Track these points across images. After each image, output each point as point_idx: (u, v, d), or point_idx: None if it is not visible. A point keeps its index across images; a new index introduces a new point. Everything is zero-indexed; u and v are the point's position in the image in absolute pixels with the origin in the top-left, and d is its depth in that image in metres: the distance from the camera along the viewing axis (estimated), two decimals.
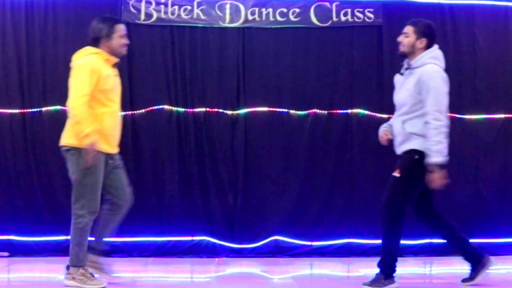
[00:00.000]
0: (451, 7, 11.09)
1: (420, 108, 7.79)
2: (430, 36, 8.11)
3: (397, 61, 10.55)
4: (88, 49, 7.86)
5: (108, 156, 7.85)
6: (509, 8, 11.15)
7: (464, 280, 8.12)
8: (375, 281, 8.02)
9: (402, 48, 8.15)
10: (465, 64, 11.06)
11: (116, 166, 8.03)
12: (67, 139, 7.76)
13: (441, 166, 7.66)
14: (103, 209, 7.96)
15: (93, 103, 7.65)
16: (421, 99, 7.74)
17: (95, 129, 7.49)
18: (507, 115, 11.09)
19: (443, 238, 8.33)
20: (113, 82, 7.91)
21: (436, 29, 8.49)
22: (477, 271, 8.04)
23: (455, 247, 8.25)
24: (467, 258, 8.14)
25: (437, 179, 7.71)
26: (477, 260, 8.08)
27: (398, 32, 10.58)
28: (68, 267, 7.72)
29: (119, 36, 7.90)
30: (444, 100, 7.82)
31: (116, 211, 8.04)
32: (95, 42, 7.90)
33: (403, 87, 8.01)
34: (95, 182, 7.62)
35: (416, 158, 7.82)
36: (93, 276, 7.76)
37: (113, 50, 7.89)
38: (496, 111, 11.08)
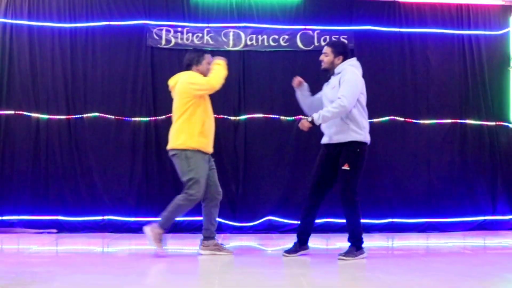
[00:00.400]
0: (409, 34, 11.01)
1: None
2: (345, 53, 8.18)
3: (365, 75, 10.51)
4: (183, 73, 8.16)
5: (206, 156, 8.12)
6: (455, 35, 11.07)
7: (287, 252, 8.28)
8: (348, 252, 8.00)
9: (324, 65, 8.19)
10: (420, 79, 10.98)
11: (211, 167, 8.22)
12: (173, 144, 8.10)
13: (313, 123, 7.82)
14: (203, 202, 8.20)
15: (198, 110, 7.97)
16: None
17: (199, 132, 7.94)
18: (453, 120, 11.00)
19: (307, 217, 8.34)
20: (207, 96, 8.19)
21: (348, 45, 8.88)
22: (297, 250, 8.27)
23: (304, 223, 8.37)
24: (299, 234, 8.38)
25: (303, 126, 7.89)
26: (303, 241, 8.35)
27: (366, 53, 10.57)
28: (201, 241, 8.24)
29: (207, 63, 8.14)
30: (355, 91, 7.85)
31: (211, 203, 8.21)
32: (188, 67, 8.23)
33: (329, 87, 8.07)
34: (201, 175, 7.93)
35: (358, 151, 7.87)
36: (223, 246, 8.30)
37: (201, 73, 8.11)
38: (445, 117, 10.99)
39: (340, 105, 7.68)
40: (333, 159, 8.02)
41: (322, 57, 8.14)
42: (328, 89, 8.10)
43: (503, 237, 10.23)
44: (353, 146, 7.90)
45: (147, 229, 8.15)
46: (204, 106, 8.08)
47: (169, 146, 8.15)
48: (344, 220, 8.31)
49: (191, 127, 7.97)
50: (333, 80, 8.05)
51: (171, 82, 8.28)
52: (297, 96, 8.36)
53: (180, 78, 8.12)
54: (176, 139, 8.03)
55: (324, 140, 8.08)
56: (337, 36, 10.69)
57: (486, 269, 7.37)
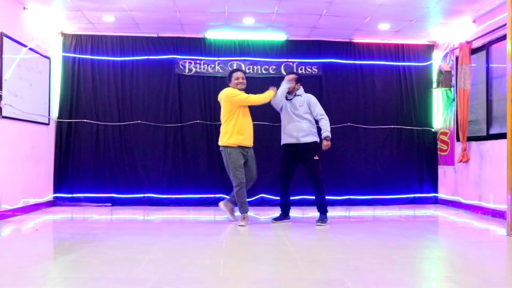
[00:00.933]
0: (361, 65, 10.95)
1: (310, 116, 8.34)
2: (300, 80, 8.54)
3: (330, 94, 10.50)
4: (225, 89, 8.29)
5: (245, 149, 8.16)
6: (393, 66, 11.02)
7: (275, 219, 8.46)
8: (322, 220, 8.11)
9: (289, 90, 8.44)
10: (368, 97, 10.93)
11: (250, 156, 8.26)
12: (220, 142, 8.22)
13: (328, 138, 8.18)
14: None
15: (236, 115, 8.09)
16: (311, 110, 8.31)
17: (237, 131, 8.07)
18: (391, 126, 10.94)
19: (284, 196, 8.52)
20: None
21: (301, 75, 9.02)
22: (282, 219, 8.45)
23: (283, 200, 8.52)
24: (281, 207, 8.55)
25: (327, 145, 8.16)
26: (286, 212, 8.51)
27: (331, 79, 10.55)
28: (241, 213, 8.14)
29: (234, 79, 8.24)
30: (321, 108, 8.37)
31: (247, 184, 8.25)
32: (228, 82, 8.35)
33: (297, 103, 8.37)
34: (238, 165, 8.02)
35: (318, 146, 8.24)
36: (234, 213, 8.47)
37: (233, 87, 8.24)
38: (386, 123, 10.94)
39: (327, 119, 8.31)
40: (297, 155, 8.31)
41: (242, 81, 8.29)
42: (294, 104, 8.37)
43: (427, 209, 10.24)
44: (316, 144, 8.25)
45: (221, 204, 8.47)
46: (243, 111, 8.15)
47: (219, 143, 8.24)
48: (314, 197, 8.37)
49: (231, 128, 8.05)
50: (298, 100, 8.40)
51: (219, 96, 8.36)
52: (282, 89, 8.40)
53: (224, 93, 8.19)
54: (222, 138, 8.14)
55: (291, 140, 8.29)
56: (310, 66, 10.71)
57: (415, 232, 7.41)
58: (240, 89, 8.18)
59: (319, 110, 8.32)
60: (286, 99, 8.44)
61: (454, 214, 9.55)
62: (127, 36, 10.62)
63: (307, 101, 8.35)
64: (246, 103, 8.16)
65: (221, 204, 8.46)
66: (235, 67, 10.44)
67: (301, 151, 8.23)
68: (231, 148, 8.02)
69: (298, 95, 8.41)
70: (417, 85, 11.11)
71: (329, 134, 8.19)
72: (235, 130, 8.03)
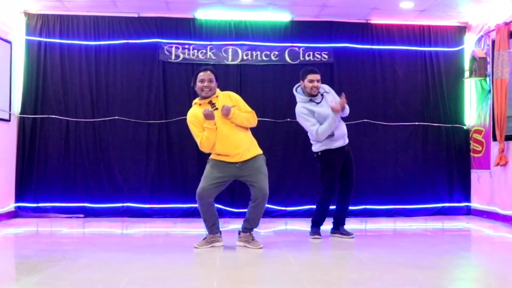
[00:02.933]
0: (379, 50, 10.99)
1: None
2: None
3: (343, 84, 10.54)
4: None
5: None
6: (418, 51, 11.06)
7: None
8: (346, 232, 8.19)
9: (318, 90, 7.96)
10: (389, 89, 10.97)
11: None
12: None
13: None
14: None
15: None
16: None
17: None
18: (415, 123, 10.97)
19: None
20: None
21: None
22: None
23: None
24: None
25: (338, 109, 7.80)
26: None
27: (344, 67, 10.57)
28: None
29: (199, 81, 7.25)
30: None
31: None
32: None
33: (326, 105, 7.88)
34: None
35: None
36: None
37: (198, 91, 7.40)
38: (409, 120, 10.96)
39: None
40: (343, 159, 8.09)
41: (316, 84, 7.88)
42: (326, 109, 7.84)
43: (458, 221, 10.26)
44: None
45: (238, 243, 7.51)
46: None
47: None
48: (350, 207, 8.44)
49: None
50: (328, 97, 7.96)
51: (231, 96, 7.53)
52: (333, 119, 7.81)
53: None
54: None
55: (339, 144, 7.96)
56: (319, 52, 10.72)
57: (444, 248, 7.42)
58: (203, 96, 7.32)
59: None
60: (316, 103, 7.98)
61: (490, 227, 9.55)
62: (102, 16, 10.63)
63: (331, 92, 8.13)
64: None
65: (237, 243, 7.53)
66: (230, 54, 10.47)
67: (346, 153, 8.10)
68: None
69: (323, 92, 8.06)
70: (446, 74, 11.11)
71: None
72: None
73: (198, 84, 7.25)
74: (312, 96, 7.93)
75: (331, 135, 7.85)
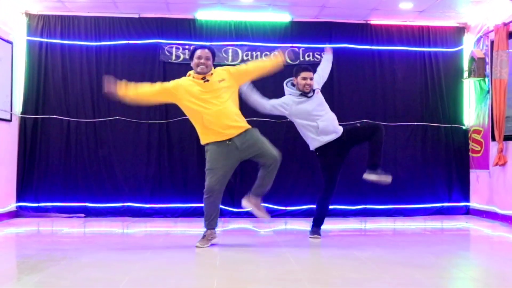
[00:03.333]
0: (378, 51, 11.00)
1: None
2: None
3: (343, 84, 10.55)
4: None
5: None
6: (417, 52, 11.08)
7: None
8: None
9: (311, 87, 8.02)
10: (388, 89, 10.98)
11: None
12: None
13: None
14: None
15: None
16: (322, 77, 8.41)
17: None
18: (415, 123, 11.00)
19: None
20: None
21: None
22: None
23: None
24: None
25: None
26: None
27: (343, 67, 10.54)
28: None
29: (197, 57, 7.25)
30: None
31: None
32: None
33: (314, 103, 8.02)
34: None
35: None
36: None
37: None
38: (408, 120, 10.98)
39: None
40: (342, 148, 8.07)
41: (309, 82, 7.96)
42: (312, 104, 7.97)
43: (457, 220, 10.27)
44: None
45: (244, 201, 7.67)
46: None
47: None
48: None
49: None
50: (317, 97, 8.04)
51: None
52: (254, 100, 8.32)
53: None
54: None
55: (329, 138, 7.94)
56: (319, 53, 10.67)
57: (443, 247, 7.41)
58: (199, 72, 7.31)
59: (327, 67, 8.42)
60: (306, 96, 8.04)
61: (488, 226, 9.56)
62: (103, 17, 10.64)
63: (318, 83, 8.23)
64: None
65: (244, 201, 7.70)
66: (230, 54, 10.48)
67: (346, 141, 8.02)
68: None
69: (317, 89, 8.16)
70: (445, 74, 11.12)
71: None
72: None
73: (195, 60, 7.28)
74: (304, 92, 7.99)
75: (316, 127, 7.93)
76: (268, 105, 8.16)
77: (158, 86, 7.42)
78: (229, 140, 7.25)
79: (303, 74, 7.97)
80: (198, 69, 7.25)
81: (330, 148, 7.94)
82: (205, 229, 7.42)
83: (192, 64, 7.34)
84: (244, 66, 7.75)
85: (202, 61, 7.23)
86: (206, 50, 7.33)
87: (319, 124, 7.90)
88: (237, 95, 7.65)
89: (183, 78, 7.43)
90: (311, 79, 7.97)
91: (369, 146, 7.95)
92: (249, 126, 7.46)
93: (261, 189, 7.52)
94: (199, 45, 7.68)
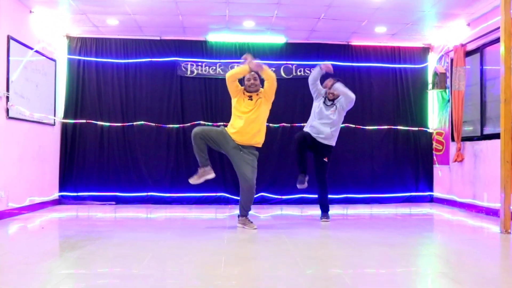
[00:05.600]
0: (358, 67, 10.97)
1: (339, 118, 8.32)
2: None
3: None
4: None
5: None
6: (390, 68, 11.03)
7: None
8: (326, 216, 8.29)
9: (333, 96, 8.35)
10: (366, 98, 10.92)
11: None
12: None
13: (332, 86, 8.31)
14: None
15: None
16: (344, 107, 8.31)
17: None
18: (388, 127, 10.99)
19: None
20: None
21: None
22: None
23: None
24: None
25: (329, 84, 8.35)
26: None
27: None
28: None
29: (246, 80, 7.43)
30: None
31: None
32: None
33: (329, 109, 8.29)
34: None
35: (332, 149, 8.34)
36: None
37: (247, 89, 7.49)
38: (383, 124, 10.96)
39: (353, 98, 8.31)
40: (313, 145, 8.25)
41: (332, 92, 8.29)
42: (327, 110, 8.26)
43: (423, 207, 10.25)
44: (330, 148, 8.34)
45: (238, 224, 7.57)
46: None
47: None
48: (313, 196, 8.41)
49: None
50: (332, 110, 8.28)
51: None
52: (316, 73, 8.47)
53: None
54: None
55: (312, 133, 8.24)
56: (309, 68, 10.63)
57: (411, 229, 7.42)
58: (249, 91, 7.50)
59: (345, 98, 8.29)
60: (324, 103, 8.34)
61: (449, 212, 9.56)
62: (130, 39, 10.63)
63: (339, 105, 8.31)
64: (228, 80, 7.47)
65: (238, 224, 7.57)
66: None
67: (317, 146, 8.23)
68: None
69: (338, 103, 8.32)
70: (413, 86, 11.12)
71: (339, 87, 8.27)
72: None
73: (246, 82, 7.47)
74: (328, 98, 8.35)
75: (313, 120, 8.40)
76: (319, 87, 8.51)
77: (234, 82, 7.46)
78: (236, 142, 7.42)
79: (329, 91, 8.33)
80: (250, 88, 7.47)
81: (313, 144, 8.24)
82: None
83: (245, 85, 7.49)
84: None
85: (252, 81, 7.47)
86: (253, 73, 7.49)
87: (314, 122, 8.28)
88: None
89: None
90: (331, 92, 8.29)
91: (320, 197, 8.43)
92: (259, 145, 7.64)
93: (242, 209, 7.53)
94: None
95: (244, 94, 7.46)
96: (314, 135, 8.22)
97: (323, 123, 8.22)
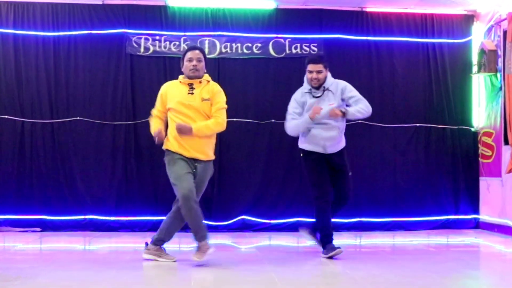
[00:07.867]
0: (375, 42, 11.05)
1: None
2: (327, 67, 8.08)
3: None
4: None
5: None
6: (419, 43, 11.14)
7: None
8: (332, 248, 7.98)
9: (319, 82, 7.96)
10: (386, 85, 11.03)
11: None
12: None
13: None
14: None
15: None
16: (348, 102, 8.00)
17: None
18: (417, 124, 11.04)
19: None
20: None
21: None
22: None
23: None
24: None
25: (337, 114, 7.84)
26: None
27: (335, 61, 10.51)
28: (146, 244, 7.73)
29: (187, 60, 7.46)
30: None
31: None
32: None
33: (324, 103, 7.89)
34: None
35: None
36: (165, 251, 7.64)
37: (184, 71, 7.57)
38: (409, 121, 11.04)
39: (369, 111, 8.09)
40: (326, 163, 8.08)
41: (315, 75, 7.89)
42: (322, 103, 7.89)
43: (465, 235, 10.32)
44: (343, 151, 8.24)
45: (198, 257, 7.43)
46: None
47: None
48: (312, 220, 8.42)
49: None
50: (329, 95, 7.97)
51: (210, 90, 7.63)
52: (302, 126, 7.96)
53: (218, 88, 7.69)
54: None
55: (316, 149, 7.94)
56: (307, 44, 10.73)
57: (449, 266, 7.46)
58: (190, 76, 7.54)
59: (363, 102, 8.12)
60: (313, 96, 8.02)
61: (501, 242, 9.63)
62: (62, 4, 10.63)
63: (341, 94, 8.09)
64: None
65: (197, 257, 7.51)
66: (206, 46, 10.49)
67: (330, 162, 8.07)
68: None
69: (327, 87, 8.04)
70: (451, 69, 11.19)
71: (351, 114, 7.98)
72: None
73: (186, 64, 7.48)
74: (312, 87, 8.01)
75: (308, 130, 7.94)
76: (288, 118, 8.13)
77: (160, 109, 7.75)
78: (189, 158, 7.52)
79: (309, 67, 8.00)
80: (190, 73, 7.48)
81: (313, 156, 8.01)
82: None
83: (183, 69, 7.57)
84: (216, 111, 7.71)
85: (193, 63, 7.47)
86: (197, 51, 7.57)
87: (312, 130, 7.91)
88: None
89: (172, 82, 7.70)
90: (318, 72, 7.92)
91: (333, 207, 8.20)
92: (212, 158, 7.80)
93: (194, 235, 7.48)
94: (188, 47, 7.82)
95: (181, 84, 7.62)
96: (320, 149, 7.95)
97: (325, 127, 7.94)
